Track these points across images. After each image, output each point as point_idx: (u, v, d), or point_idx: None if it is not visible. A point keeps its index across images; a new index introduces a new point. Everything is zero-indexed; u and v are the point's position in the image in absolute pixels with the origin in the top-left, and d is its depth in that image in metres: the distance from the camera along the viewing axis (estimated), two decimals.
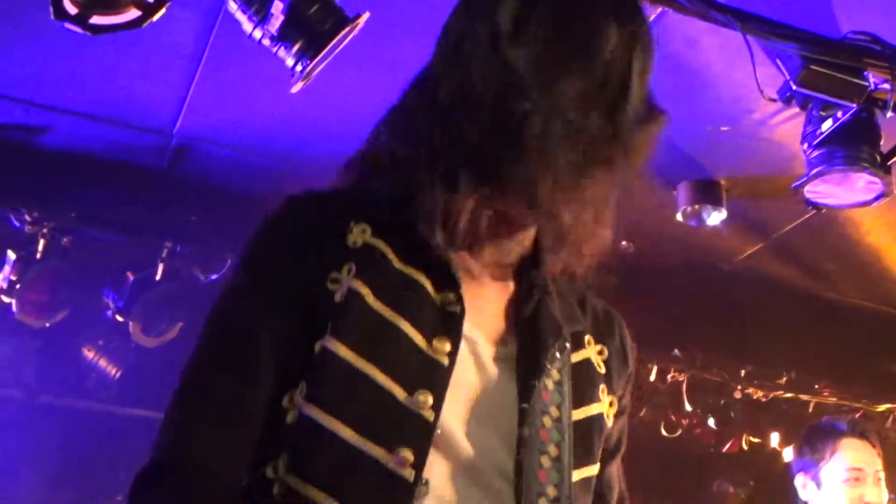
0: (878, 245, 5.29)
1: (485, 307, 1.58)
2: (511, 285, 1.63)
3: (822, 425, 4.05)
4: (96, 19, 3.17)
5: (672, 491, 6.68)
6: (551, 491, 1.49)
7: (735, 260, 5.50)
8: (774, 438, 6.29)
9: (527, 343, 1.56)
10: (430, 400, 1.42)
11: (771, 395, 6.27)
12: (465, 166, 1.48)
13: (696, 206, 4.75)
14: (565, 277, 1.66)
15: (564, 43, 1.48)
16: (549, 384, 1.54)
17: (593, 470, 1.62)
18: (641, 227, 5.03)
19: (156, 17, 3.18)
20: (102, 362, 5.58)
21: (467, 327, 1.51)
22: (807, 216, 4.92)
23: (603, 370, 1.67)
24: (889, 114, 3.81)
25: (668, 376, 6.02)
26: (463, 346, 1.49)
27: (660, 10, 3.53)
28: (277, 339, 1.47)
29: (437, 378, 1.44)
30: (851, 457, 3.78)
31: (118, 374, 5.58)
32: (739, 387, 6.20)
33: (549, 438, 1.51)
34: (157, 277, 5.17)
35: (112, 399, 5.97)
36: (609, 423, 1.66)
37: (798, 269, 5.56)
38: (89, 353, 5.58)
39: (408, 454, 1.38)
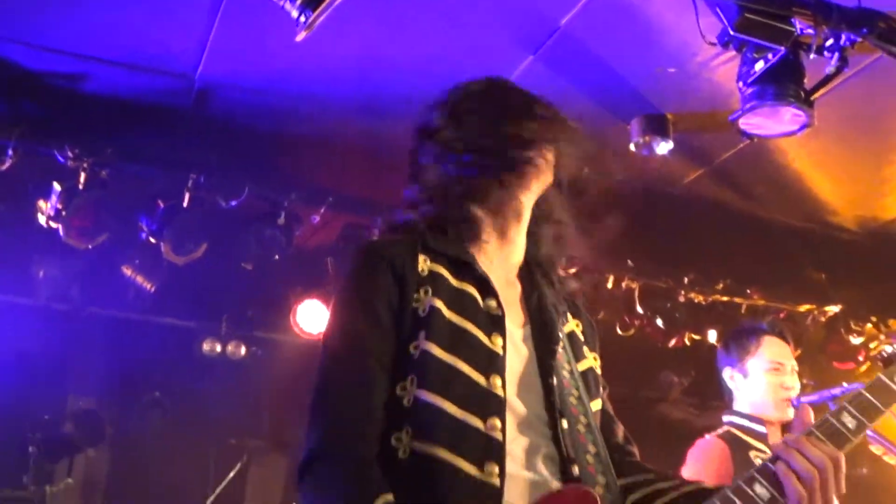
0: (801, 170, 5.27)
1: (510, 303, 1.86)
2: (518, 286, 1.95)
3: (746, 327, 4.06)
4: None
5: (626, 380, 6.73)
6: (583, 419, 1.80)
7: (680, 184, 5.48)
8: (712, 335, 6.32)
9: (540, 323, 1.87)
10: (499, 382, 1.71)
11: (710, 299, 6.29)
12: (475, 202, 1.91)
13: (647, 138, 4.71)
14: (547, 270, 2.01)
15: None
16: (560, 349, 1.85)
17: (599, 404, 1.92)
18: (600, 155, 5.02)
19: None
20: (139, 278, 5.59)
21: (506, 323, 1.80)
22: (742, 145, 4.90)
23: (583, 338, 2.00)
24: (812, 55, 3.77)
25: (623, 284, 6.04)
26: (507, 338, 1.78)
27: None
28: (382, 347, 1.72)
29: (499, 365, 1.74)
30: (772, 352, 3.79)
31: (153, 289, 5.58)
32: (683, 292, 6.22)
33: (570, 385, 1.83)
34: (185, 205, 5.14)
35: (148, 310, 6.01)
36: (598, 371, 1.98)
37: (734, 191, 5.55)
38: (127, 271, 5.58)
39: (496, 422, 1.67)
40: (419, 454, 1.66)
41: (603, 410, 1.96)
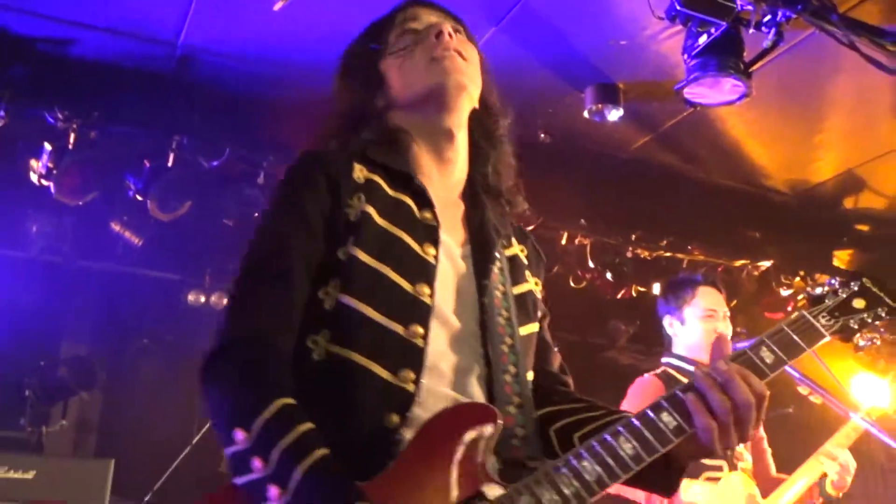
0: (739, 137, 5.30)
1: (450, 221, 1.75)
2: (462, 205, 1.83)
3: (682, 278, 4.10)
4: None
5: (578, 328, 6.79)
6: (508, 340, 1.68)
7: (629, 149, 5.49)
8: (656, 288, 6.34)
9: (478, 243, 1.75)
10: (427, 290, 1.60)
11: (654, 255, 6.31)
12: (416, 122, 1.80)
13: (600, 106, 4.71)
14: (494, 192, 1.89)
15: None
16: (496, 270, 1.74)
17: (534, 328, 1.78)
18: (556, 122, 5.01)
19: None
20: (127, 233, 5.53)
21: (442, 235, 1.68)
22: (686, 113, 4.91)
23: (526, 262, 1.87)
24: (751, 30, 3.77)
25: (576, 240, 6.04)
26: (441, 249, 1.67)
27: None
28: (306, 248, 1.59)
29: (429, 274, 1.62)
30: (706, 300, 3.83)
31: (140, 243, 5.53)
32: (630, 248, 6.25)
33: (501, 305, 1.70)
34: (169, 164, 5.07)
35: (136, 263, 5.95)
36: (539, 296, 1.86)
37: (678, 155, 5.57)
38: (116, 226, 5.51)
39: (418, 329, 1.56)
40: (334, 358, 1.54)
41: (540, 337, 1.84)
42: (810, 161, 5.65)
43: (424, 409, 1.52)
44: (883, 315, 1.84)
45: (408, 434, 1.49)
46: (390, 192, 1.69)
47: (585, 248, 6.10)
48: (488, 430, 1.44)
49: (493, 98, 1.91)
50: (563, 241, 6.00)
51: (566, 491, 1.40)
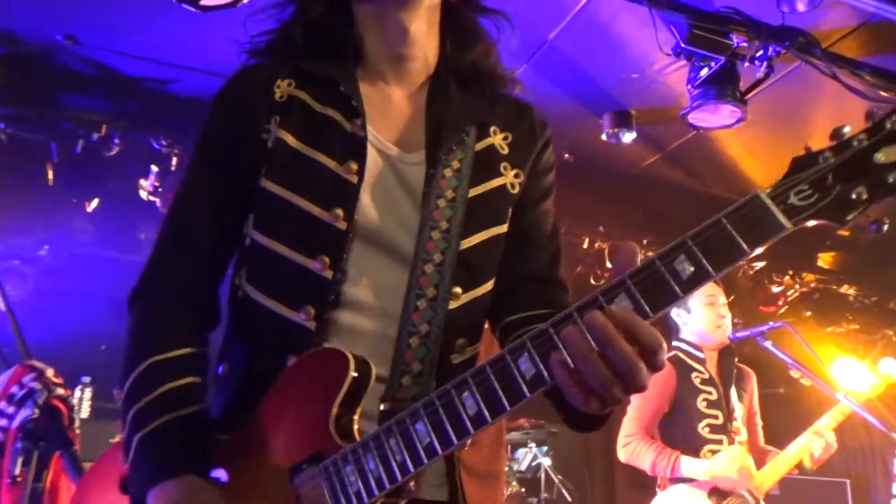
0: (735, 154, 5.27)
1: (398, 123, 1.35)
2: (422, 100, 1.38)
3: None
4: (205, 1, 3.12)
5: None
6: (437, 257, 1.25)
7: (641, 166, 5.49)
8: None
9: (432, 143, 1.32)
10: (342, 213, 1.24)
11: None
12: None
13: (615, 129, 4.72)
14: (474, 78, 1.40)
15: None
16: (448, 172, 1.29)
17: (493, 231, 1.31)
18: (578, 144, 5.03)
19: (245, 0, 3.12)
20: None
21: (381, 143, 1.31)
22: (690, 135, 4.91)
23: (506, 150, 1.36)
24: (746, 64, 3.79)
25: (595, 244, 6.06)
26: (377, 158, 1.29)
27: None
28: (215, 192, 1.31)
29: (347, 194, 1.25)
30: (707, 289, 3.81)
31: None
32: (642, 251, 6.24)
33: (441, 216, 1.27)
34: None
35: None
36: (514, 191, 1.34)
37: (682, 171, 5.56)
38: None
39: (325, 259, 1.22)
40: (247, 297, 1.27)
41: (518, 236, 1.35)
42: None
43: (330, 342, 1.23)
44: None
45: None
46: (317, 106, 1.31)
47: (604, 251, 6.10)
48: (340, 383, 1.13)
49: None
50: (585, 245, 6.02)
51: (394, 459, 1.07)
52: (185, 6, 3.08)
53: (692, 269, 0.97)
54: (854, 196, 0.96)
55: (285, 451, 1.15)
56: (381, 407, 1.19)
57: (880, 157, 0.96)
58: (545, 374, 0.98)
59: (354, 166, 1.26)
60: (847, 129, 1.00)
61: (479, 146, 1.35)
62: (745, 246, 0.96)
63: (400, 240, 1.27)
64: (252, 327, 1.27)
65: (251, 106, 1.30)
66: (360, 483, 1.08)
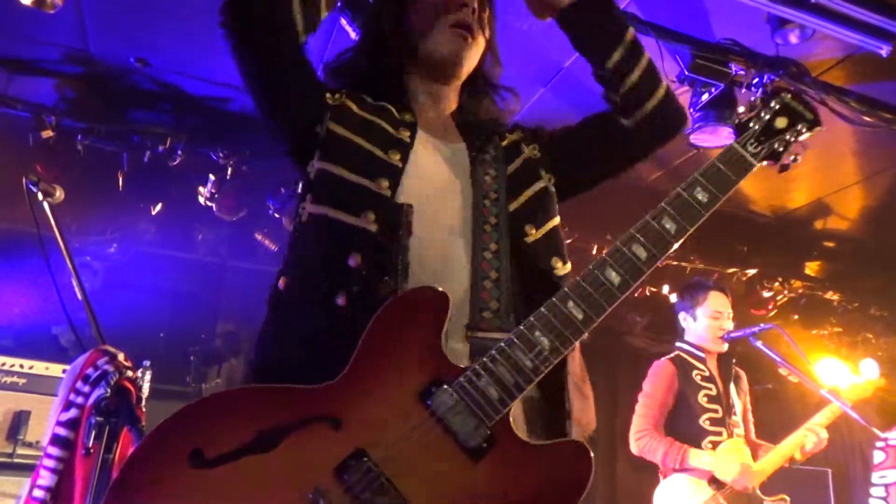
0: None
1: (439, 133, 1.50)
2: (455, 131, 1.54)
3: (697, 282, 4.06)
4: None
5: (603, 319, 6.73)
6: (493, 220, 1.38)
7: (647, 180, 5.46)
8: (665, 288, 6.31)
9: (468, 139, 1.49)
10: (386, 183, 1.32)
11: (663, 263, 6.26)
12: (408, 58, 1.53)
13: None
14: (491, 121, 1.61)
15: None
16: (487, 157, 1.46)
17: (534, 189, 1.47)
18: None
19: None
20: (267, 241, 5.62)
21: (428, 139, 1.44)
22: (692, 153, 4.88)
23: (539, 155, 1.53)
24: (743, 90, 3.75)
25: (604, 251, 5.99)
26: (421, 149, 1.41)
27: None
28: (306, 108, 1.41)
29: (391, 172, 1.34)
30: (715, 303, 3.79)
31: (276, 248, 5.62)
32: None
33: (490, 188, 1.41)
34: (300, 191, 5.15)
35: (271, 263, 5.98)
36: (538, 154, 1.53)
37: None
38: (258, 236, 5.62)
39: (384, 182, 1.32)
40: (316, 215, 1.32)
41: (565, 134, 1.56)
42: (788, 191, 5.55)
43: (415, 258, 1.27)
44: (804, 131, 1.45)
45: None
46: (359, 112, 1.43)
47: None
48: (443, 314, 1.15)
49: (492, 65, 1.64)
50: (594, 252, 5.99)
51: (526, 364, 1.14)
52: None
53: (707, 194, 1.32)
54: (777, 146, 1.44)
55: (402, 382, 1.12)
56: (469, 338, 1.24)
57: (777, 123, 1.45)
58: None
59: (398, 156, 1.36)
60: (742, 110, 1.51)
61: (504, 142, 1.53)
62: (733, 177, 1.36)
63: (455, 210, 1.37)
64: (316, 241, 1.32)
65: (315, 103, 1.41)
66: (498, 391, 1.11)
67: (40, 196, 2.21)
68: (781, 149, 1.44)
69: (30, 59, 4.16)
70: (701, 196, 1.31)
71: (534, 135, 1.58)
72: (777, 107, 1.46)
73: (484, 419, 1.10)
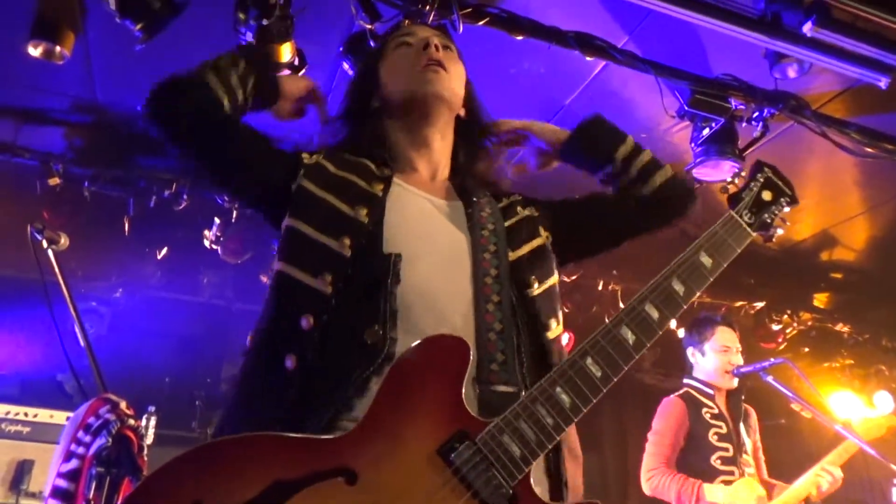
0: None
1: (428, 189, 1.47)
2: (447, 184, 1.53)
3: (705, 317, 4.02)
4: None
5: None
6: (493, 271, 1.34)
7: None
8: (673, 324, 6.23)
9: (463, 196, 1.48)
10: (348, 241, 1.28)
11: None
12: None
13: None
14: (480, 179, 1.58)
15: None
16: (485, 213, 1.44)
17: (533, 244, 1.45)
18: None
19: (300, 74, 3.18)
20: None
21: (413, 189, 1.43)
22: (695, 187, 4.87)
23: (537, 214, 1.52)
24: (744, 124, 3.77)
25: (609, 287, 6.01)
26: (401, 202, 1.38)
27: (604, 62, 3.49)
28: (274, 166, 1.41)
29: (354, 229, 1.30)
30: (723, 338, 3.75)
31: None
32: None
33: (487, 242, 1.39)
34: None
35: None
36: (536, 214, 1.52)
37: (688, 220, 5.51)
38: (264, 278, 5.57)
39: (347, 240, 1.28)
40: (281, 273, 1.31)
41: (574, 204, 1.58)
42: (793, 223, 5.53)
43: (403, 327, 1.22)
44: (784, 204, 1.55)
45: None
46: (333, 171, 1.41)
47: (617, 292, 6.04)
48: (464, 364, 1.12)
49: (478, 107, 1.64)
50: (600, 288, 5.96)
51: (548, 421, 1.12)
52: None
53: (710, 260, 1.38)
54: (765, 218, 1.53)
55: (422, 434, 1.07)
56: (477, 390, 1.20)
57: (764, 196, 1.54)
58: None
59: (364, 211, 1.32)
60: (733, 184, 1.61)
61: (501, 203, 1.52)
62: (734, 246, 1.44)
63: (446, 248, 1.35)
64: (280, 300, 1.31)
65: (290, 163, 1.41)
66: (520, 448, 1.09)
67: (45, 244, 2.21)
68: (769, 220, 1.54)
69: (39, 108, 4.22)
70: (705, 261, 1.37)
71: (532, 199, 1.58)
72: (762, 180, 1.56)
73: (507, 478, 1.08)
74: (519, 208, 1.51)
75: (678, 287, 1.32)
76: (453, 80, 1.52)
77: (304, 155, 1.44)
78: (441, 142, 1.54)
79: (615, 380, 1.18)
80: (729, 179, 3.93)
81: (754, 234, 1.47)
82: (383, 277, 1.24)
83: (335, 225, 1.30)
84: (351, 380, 1.15)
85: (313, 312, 1.21)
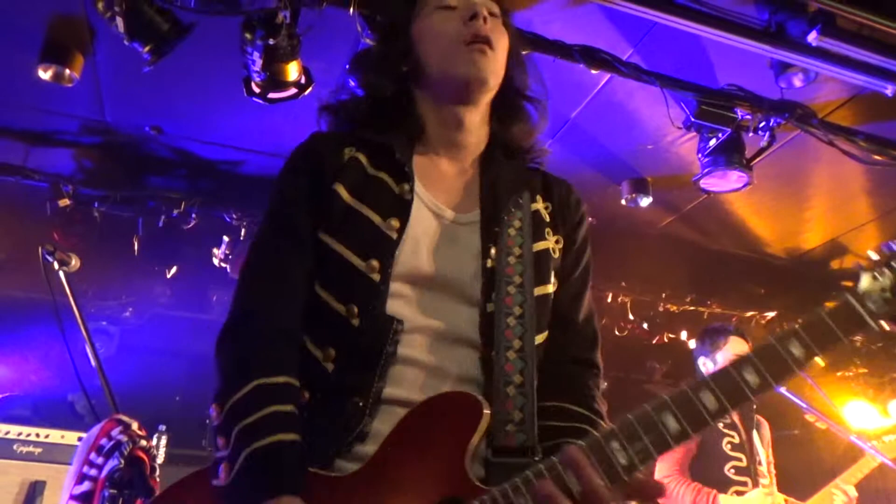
0: (744, 215, 5.20)
1: (450, 190, 1.33)
2: (475, 171, 1.38)
3: (717, 327, 3.99)
4: (272, 94, 3.19)
5: (621, 367, 6.66)
6: (517, 310, 1.21)
7: (658, 227, 5.44)
8: (684, 335, 6.22)
9: (489, 206, 1.31)
10: (377, 264, 1.19)
11: (681, 309, 6.20)
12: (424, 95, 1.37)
13: (633, 195, 4.68)
14: (517, 151, 1.43)
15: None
16: (512, 231, 1.28)
17: (549, 289, 1.29)
18: (600, 209, 5.01)
19: (306, 92, 3.20)
20: None
21: (435, 206, 1.29)
22: (702, 198, 4.86)
23: (548, 218, 1.36)
24: (750, 133, 3.76)
25: (619, 299, 5.98)
26: (430, 218, 1.27)
27: (609, 75, 3.50)
28: (305, 223, 1.26)
29: (384, 248, 1.21)
30: (735, 348, 3.69)
31: None
32: (661, 304, 6.15)
33: (514, 272, 1.24)
34: None
35: None
36: (556, 255, 1.33)
37: (696, 231, 5.50)
38: None
39: (354, 309, 1.19)
40: (317, 297, 1.23)
41: (560, 295, 1.32)
42: (801, 232, 5.51)
43: (397, 392, 1.15)
44: None
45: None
46: (370, 169, 1.30)
47: (626, 304, 6.02)
48: (474, 427, 1.05)
49: (520, 74, 1.44)
50: (609, 300, 5.94)
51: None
52: (254, 99, 3.16)
53: (803, 350, 1.08)
54: None
55: (416, 490, 1.03)
56: (490, 455, 1.11)
57: None
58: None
59: (396, 223, 1.23)
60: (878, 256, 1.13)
61: (533, 207, 1.34)
62: (841, 335, 1.09)
63: (459, 285, 1.22)
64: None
65: (323, 168, 1.28)
66: None
67: (56, 265, 2.22)
68: None
69: (49, 130, 4.26)
70: (796, 352, 1.09)
71: (565, 217, 1.39)
72: None
73: None
74: (548, 231, 1.34)
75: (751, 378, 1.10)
76: (500, 59, 1.36)
77: (346, 151, 1.31)
78: (477, 121, 1.38)
79: (640, 469, 1.01)
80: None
81: (875, 326, 1.09)
82: (381, 346, 1.16)
83: (366, 242, 1.22)
84: (343, 435, 1.13)
85: (334, 346, 1.19)
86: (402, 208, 1.25)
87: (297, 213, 1.27)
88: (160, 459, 4.74)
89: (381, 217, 1.23)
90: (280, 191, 1.33)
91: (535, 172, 1.42)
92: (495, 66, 1.34)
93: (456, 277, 1.23)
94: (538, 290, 1.26)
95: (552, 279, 1.31)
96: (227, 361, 1.19)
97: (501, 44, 1.36)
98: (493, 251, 1.24)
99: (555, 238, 1.34)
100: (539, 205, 1.36)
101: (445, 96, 1.35)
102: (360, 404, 1.12)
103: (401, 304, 1.20)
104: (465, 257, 1.25)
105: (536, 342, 1.23)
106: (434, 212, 1.29)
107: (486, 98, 1.37)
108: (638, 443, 1.01)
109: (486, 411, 1.06)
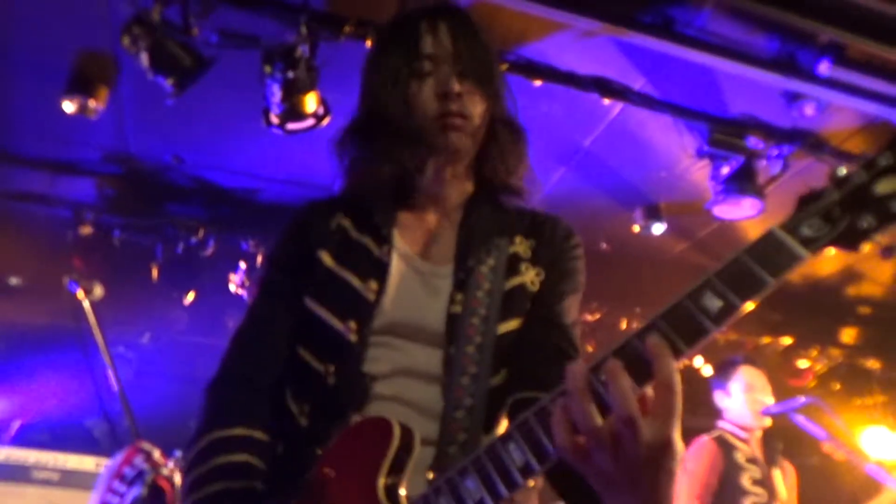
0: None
1: (431, 241, 1.35)
2: (458, 215, 1.38)
3: (727, 360, 3.98)
4: (290, 125, 3.25)
5: None
6: (477, 339, 1.24)
7: (672, 253, 5.44)
8: (698, 361, 6.19)
9: (462, 254, 1.31)
10: (355, 325, 1.24)
11: None
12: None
13: (647, 221, 4.69)
14: (504, 192, 1.40)
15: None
16: (485, 269, 1.29)
17: (514, 325, 1.29)
18: (614, 235, 5.02)
19: (324, 123, 3.25)
20: None
21: (412, 259, 1.32)
22: (715, 225, 4.87)
23: (529, 255, 1.34)
24: (763, 162, 3.78)
25: (633, 325, 5.96)
26: (408, 272, 1.30)
27: (622, 104, 3.54)
28: (290, 288, 1.31)
29: (362, 310, 1.25)
30: (747, 376, 3.71)
31: None
32: None
33: (480, 304, 1.26)
34: None
35: None
36: (533, 287, 1.31)
37: (710, 257, 5.48)
38: None
39: (330, 368, 1.24)
40: (299, 358, 1.30)
41: (533, 325, 1.30)
42: (817, 259, 5.48)
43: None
44: None
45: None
46: (353, 234, 1.34)
47: None
48: (385, 450, 1.08)
49: (503, 117, 1.40)
50: (624, 326, 5.92)
51: None
52: (273, 130, 3.22)
53: (720, 303, 0.90)
54: (864, 224, 0.92)
55: None
56: (431, 476, 1.14)
57: (880, 188, 0.91)
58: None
59: (374, 285, 1.27)
60: (843, 169, 0.93)
61: (511, 249, 1.34)
62: (766, 276, 0.90)
63: (428, 332, 1.25)
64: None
65: (308, 238, 1.33)
66: None
67: (81, 294, 2.27)
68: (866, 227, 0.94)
69: (73, 160, 4.35)
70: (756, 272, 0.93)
71: (549, 249, 1.37)
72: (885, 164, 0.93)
73: None
74: (525, 267, 1.34)
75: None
76: (476, 122, 1.33)
77: (336, 217, 1.36)
78: (460, 172, 1.39)
79: (539, 471, 0.93)
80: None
81: (807, 254, 0.91)
82: (353, 402, 1.22)
83: (346, 305, 1.27)
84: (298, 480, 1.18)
85: (309, 403, 1.26)
86: (380, 270, 1.29)
87: (282, 279, 1.35)
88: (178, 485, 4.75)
89: (360, 280, 1.28)
90: (270, 258, 1.43)
91: (521, 214, 1.41)
92: (472, 128, 1.33)
93: (427, 324, 1.27)
94: (502, 328, 1.27)
95: (523, 313, 1.30)
96: (198, 416, 1.27)
97: (478, 107, 1.34)
98: (458, 296, 1.27)
99: (534, 271, 1.33)
100: (518, 246, 1.35)
101: (423, 160, 1.34)
102: (320, 453, 1.18)
103: (375, 359, 1.25)
104: (437, 306, 1.28)
105: (492, 383, 1.25)
106: (412, 266, 1.32)
107: (463, 160, 1.36)
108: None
109: (397, 432, 1.10)
